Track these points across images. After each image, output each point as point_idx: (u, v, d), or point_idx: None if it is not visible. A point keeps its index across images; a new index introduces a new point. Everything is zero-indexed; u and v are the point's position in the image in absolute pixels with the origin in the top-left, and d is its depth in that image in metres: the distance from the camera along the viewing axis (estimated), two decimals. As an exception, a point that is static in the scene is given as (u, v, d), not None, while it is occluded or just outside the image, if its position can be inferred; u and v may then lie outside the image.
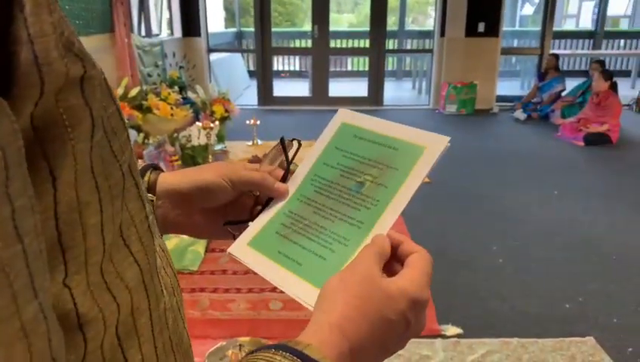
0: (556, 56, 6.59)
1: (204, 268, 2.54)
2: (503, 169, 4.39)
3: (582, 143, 5.14)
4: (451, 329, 2.10)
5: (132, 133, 3.66)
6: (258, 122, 4.94)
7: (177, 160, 3.57)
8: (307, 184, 0.55)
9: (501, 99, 7.11)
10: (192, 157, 3.80)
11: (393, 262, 0.46)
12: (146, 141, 3.67)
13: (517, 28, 11.76)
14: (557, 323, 2.18)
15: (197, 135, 3.71)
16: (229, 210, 0.58)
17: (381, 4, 7.07)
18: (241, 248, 0.53)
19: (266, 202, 0.56)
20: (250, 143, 5.01)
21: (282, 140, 0.58)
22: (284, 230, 0.52)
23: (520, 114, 6.39)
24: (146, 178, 0.54)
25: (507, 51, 7.82)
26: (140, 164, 0.52)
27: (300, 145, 0.60)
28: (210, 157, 3.56)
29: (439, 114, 6.82)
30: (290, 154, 0.59)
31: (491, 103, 6.96)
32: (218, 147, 4.55)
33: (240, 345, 1.86)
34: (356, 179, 0.52)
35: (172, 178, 0.55)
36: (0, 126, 0.19)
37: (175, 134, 3.91)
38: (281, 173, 0.57)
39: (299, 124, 6.27)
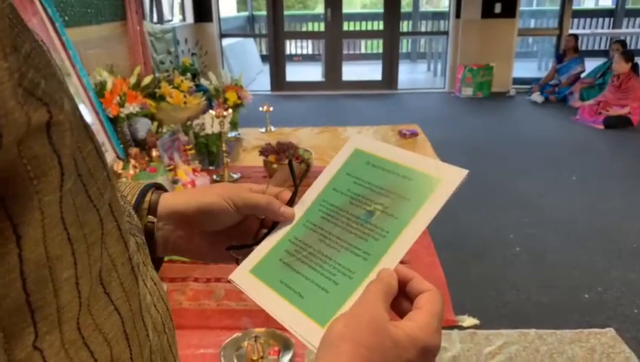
0: (575, 37, 6.43)
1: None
2: (519, 154, 4.31)
3: (601, 127, 5.02)
4: (468, 320, 2.08)
5: (145, 121, 3.66)
6: (271, 109, 4.92)
7: (191, 149, 3.57)
8: (315, 209, 0.53)
9: (518, 81, 6.98)
10: (205, 145, 3.80)
11: (402, 299, 0.43)
12: (159, 130, 3.67)
13: (534, 7, 11.48)
14: (575, 313, 2.15)
15: (210, 123, 3.70)
16: (233, 233, 0.56)
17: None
18: (243, 275, 0.51)
19: (272, 226, 0.54)
20: (263, 130, 5.00)
21: (290, 162, 0.57)
22: (287, 257, 0.50)
23: (537, 96, 6.27)
24: (147, 198, 0.52)
25: (524, 32, 7.67)
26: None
27: (308, 168, 0.58)
28: (224, 145, 3.55)
29: (455, 97, 6.72)
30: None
31: (508, 86, 6.83)
32: (231, 134, 4.55)
33: (255, 337, 1.86)
34: (366, 208, 0.50)
35: (174, 199, 0.53)
36: None
37: (189, 122, 3.90)
38: (288, 195, 0.55)
39: (312, 110, 6.22)
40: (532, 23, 10.27)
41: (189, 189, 0.58)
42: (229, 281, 2.03)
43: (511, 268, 2.52)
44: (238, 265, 0.53)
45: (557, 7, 7.22)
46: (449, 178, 0.49)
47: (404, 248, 0.46)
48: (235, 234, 0.56)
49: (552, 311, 2.17)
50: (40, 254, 0.24)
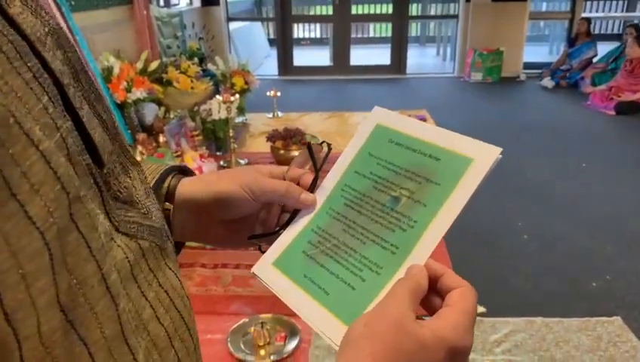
0: (588, 21, 6.31)
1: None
2: (528, 140, 4.27)
3: (613, 113, 4.95)
4: (474, 308, 2.08)
5: (153, 107, 3.66)
6: (278, 94, 4.89)
7: (198, 134, 3.57)
8: (337, 195, 0.50)
9: (528, 66, 6.88)
10: (212, 131, 3.80)
11: (433, 296, 0.41)
12: (167, 115, 3.67)
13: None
14: (583, 302, 2.14)
15: (217, 109, 3.68)
16: (254, 219, 0.54)
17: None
18: (265, 268, 0.49)
19: (293, 213, 0.51)
20: (270, 115, 4.98)
21: (309, 146, 0.53)
22: (311, 249, 0.48)
23: (548, 82, 6.18)
24: (165, 184, 0.50)
25: (536, 16, 7.54)
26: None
27: (330, 149, 0.55)
28: (231, 130, 3.54)
29: (464, 82, 6.65)
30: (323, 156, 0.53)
31: (518, 71, 6.75)
32: (238, 120, 4.54)
33: (262, 322, 1.88)
34: (391, 193, 0.46)
35: (192, 186, 0.51)
36: None
37: (196, 108, 3.89)
38: (310, 178, 0.52)
39: (319, 95, 6.19)
40: (544, 7, 10.10)
41: (208, 175, 0.55)
42: (236, 267, 2.03)
43: (519, 255, 2.51)
44: (263, 252, 0.51)
45: (569, -10, 7.08)
46: (482, 157, 0.44)
47: (435, 240, 0.42)
48: (256, 220, 0.54)
49: (560, 300, 2.16)
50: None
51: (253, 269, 0.50)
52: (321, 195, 0.51)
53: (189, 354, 0.39)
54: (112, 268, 0.30)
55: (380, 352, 0.35)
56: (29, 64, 0.25)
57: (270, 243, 0.51)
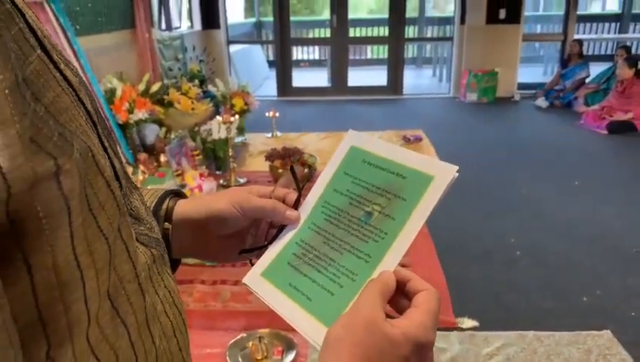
0: (580, 42, 6.46)
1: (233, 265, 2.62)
2: (522, 159, 4.35)
3: (605, 132, 5.05)
4: (467, 322, 2.13)
5: (154, 127, 3.74)
6: (277, 114, 4.99)
7: (198, 154, 3.64)
8: (318, 211, 0.56)
9: (523, 86, 7.01)
10: (212, 150, 3.88)
11: (401, 298, 0.46)
12: (167, 135, 3.76)
13: (541, 12, 11.50)
14: (574, 316, 2.19)
15: (217, 129, 3.77)
16: (245, 235, 0.59)
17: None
18: (255, 278, 0.54)
19: (279, 228, 0.57)
20: (269, 135, 5.07)
21: (292, 168, 0.60)
22: (295, 260, 0.53)
23: (542, 102, 6.30)
24: (164, 206, 0.57)
25: (529, 38, 7.70)
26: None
27: (310, 171, 0.61)
28: (230, 150, 3.62)
29: (460, 102, 6.77)
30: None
31: (513, 91, 6.87)
32: (238, 140, 4.62)
33: (260, 337, 1.92)
34: (365, 209, 0.52)
35: (187, 206, 0.57)
36: None
37: (196, 128, 3.98)
38: (294, 197, 0.58)
39: (317, 115, 6.29)
40: (538, 28, 10.31)
41: (202, 196, 0.62)
42: (235, 283, 2.11)
43: (511, 271, 2.56)
44: (252, 265, 0.56)
45: (562, 13, 7.24)
46: (441, 174, 0.50)
47: (403, 249, 0.48)
48: (247, 235, 0.60)
49: (551, 314, 2.21)
50: (50, 279, 0.28)
51: (244, 280, 0.55)
52: (304, 212, 0.57)
53: (185, 345, 0.47)
54: (141, 268, 0.38)
55: (355, 349, 0.40)
56: (81, 109, 0.33)
57: (259, 257, 0.57)
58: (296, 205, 0.57)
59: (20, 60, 0.27)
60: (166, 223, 0.57)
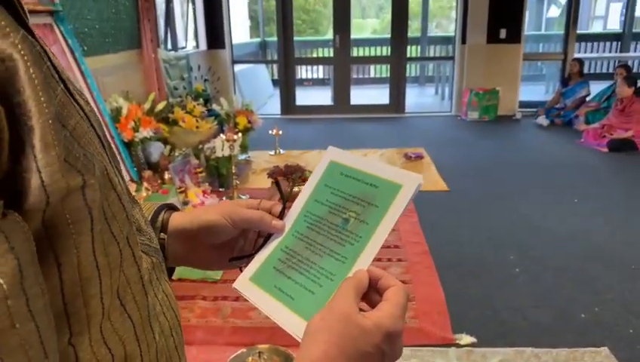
0: (580, 62, 6.53)
1: (226, 276, 2.65)
2: (523, 176, 4.39)
3: (606, 150, 5.09)
4: (465, 339, 2.15)
5: (159, 145, 3.81)
6: (280, 132, 5.06)
7: (202, 171, 3.70)
8: (301, 220, 0.61)
9: (524, 104, 7.08)
10: (216, 168, 3.94)
11: (373, 294, 0.51)
12: (172, 153, 3.82)
13: (542, 32, 11.62)
14: (572, 333, 2.20)
15: (221, 147, 3.83)
16: (235, 244, 0.64)
17: (401, 11, 7.14)
18: (244, 283, 0.60)
19: (267, 236, 0.62)
20: (272, 153, 5.13)
21: (277, 182, 0.67)
22: (280, 265, 0.59)
23: (543, 120, 6.35)
24: (160, 218, 0.62)
25: (529, 57, 7.78)
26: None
27: (293, 184, 0.67)
28: (233, 167, 3.68)
29: (461, 120, 6.83)
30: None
31: (514, 109, 6.93)
32: (241, 157, 4.68)
33: (259, 352, 1.94)
34: (342, 216, 0.58)
35: (181, 218, 0.63)
36: (16, 239, 0.28)
37: (200, 146, 4.04)
38: (279, 208, 0.63)
39: (319, 133, 6.37)
40: (540, 47, 10.42)
41: (195, 209, 0.68)
42: (235, 299, 2.16)
43: (509, 288, 2.58)
44: (241, 271, 0.61)
45: (563, 32, 7.33)
46: (408, 184, 0.55)
47: (375, 250, 0.53)
48: (237, 244, 0.65)
49: (549, 331, 2.22)
50: (74, 277, 0.34)
51: (235, 284, 0.60)
52: (289, 221, 0.62)
53: (180, 344, 0.52)
54: (144, 272, 0.44)
55: (332, 339, 0.45)
56: (94, 133, 0.39)
57: (248, 264, 0.62)
58: (281, 215, 0.63)
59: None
60: (162, 234, 0.61)
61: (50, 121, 0.30)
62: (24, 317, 0.27)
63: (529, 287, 2.58)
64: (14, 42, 0.28)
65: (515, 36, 6.69)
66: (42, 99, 0.29)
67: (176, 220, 0.63)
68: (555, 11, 12.32)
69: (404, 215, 2.80)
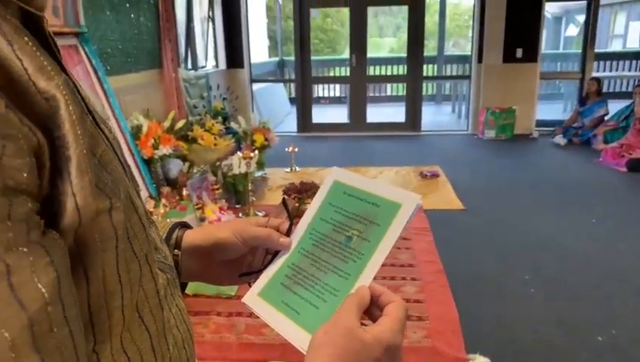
0: (598, 80, 6.49)
1: (241, 293, 2.67)
2: (539, 195, 4.36)
3: (624, 169, 5.02)
4: (479, 359, 2.13)
5: (178, 162, 3.89)
6: (296, 149, 5.12)
7: (218, 188, 3.75)
8: (307, 238, 0.64)
9: (542, 123, 7.04)
10: (232, 184, 3.99)
11: (375, 309, 0.54)
12: (190, 170, 3.89)
13: (560, 50, 11.60)
14: (587, 355, 2.17)
15: (238, 164, 3.90)
16: (245, 260, 0.68)
17: (418, 31, 7.20)
18: (253, 298, 0.63)
19: (274, 253, 0.66)
20: (288, 170, 5.19)
21: (284, 200, 0.71)
22: (287, 281, 0.62)
23: (560, 139, 6.31)
24: (174, 235, 0.66)
25: (546, 76, 7.76)
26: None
27: (299, 203, 0.71)
28: (250, 184, 3.73)
29: (478, 139, 6.81)
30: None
31: (531, 128, 6.90)
32: (258, 174, 4.74)
33: (272, 368, 1.96)
34: (345, 234, 0.61)
35: (194, 235, 0.67)
36: (55, 254, 0.32)
37: (217, 163, 4.12)
38: (287, 225, 0.67)
39: (335, 150, 6.41)
40: (558, 66, 10.38)
41: (207, 226, 0.72)
42: (249, 316, 2.20)
43: (524, 308, 2.56)
44: (250, 286, 0.64)
45: (580, 51, 7.31)
46: (407, 202, 0.58)
47: (376, 267, 0.56)
48: (247, 260, 0.68)
49: (564, 353, 2.20)
50: (100, 289, 0.38)
51: (244, 299, 0.64)
52: (295, 238, 0.65)
53: (192, 356, 0.55)
54: (160, 287, 0.48)
55: (335, 352, 0.48)
56: (117, 159, 0.43)
57: (257, 279, 0.65)
58: (288, 233, 0.66)
59: None
60: (176, 250, 0.65)
61: (84, 151, 0.34)
62: (61, 322, 0.31)
63: (544, 307, 2.56)
64: (57, 84, 0.32)
65: (531, 55, 6.70)
66: (79, 132, 0.33)
67: (190, 237, 0.66)
68: (573, 30, 12.29)
69: (420, 233, 2.81)
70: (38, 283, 0.30)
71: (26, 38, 0.32)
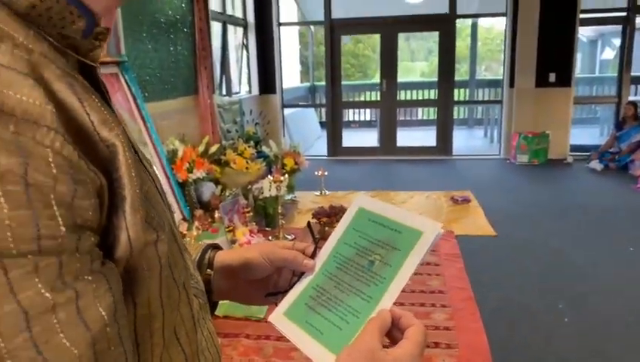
0: (635, 105, 6.35)
1: (269, 315, 2.70)
2: (574, 222, 4.26)
3: (664, 196, 4.87)
4: (509, 389, 2.09)
5: (210, 185, 3.99)
6: (326, 173, 5.17)
7: (249, 211, 3.83)
8: (331, 261, 0.68)
9: (576, 148, 6.91)
10: (263, 207, 4.06)
11: (395, 331, 0.57)
12: (223, 193, 3.99)
13: (596, 74, 11.39)
14: (624, 389, 2.11)
15: (268, 187, 3.97)
16: (270, 280, 0.72)
17: (449, 55, 7.22)
18: (279, 317, 0.66)
19: (300, 274, 0.69)
20: (317, 193, 5.23)
21: (309, 224, 0.75)
22: (311, 302, 0.65)
23: (596, 164, 6.17)
24: (207, 256, 0.71)
25: (581, 100, 7.64)
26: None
27: (324, 227, 0.74)
28: (280, 207, 3.79)
29: (510, 164, 6.73)
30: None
31: (565, 153, 6.77)
32: (288, 197, 4.81)
33: (299, 392, 1.98)
34: (368, 258, 0.64)
35: (225, 256, 0.71)
36: (112, 281, 0.36)
37: (249, 186, 4.20)
38: (312, 249, 0.70)
39: (365, 174, 6.44)
40: (594, 90, 10.20)
41: (237, 248, 0.77)
42: (277, 339, 2.25)
43: (557, 338, 2.50)
44: (276, 306, 0.68)
45: (616, 75, 7.19)
46: (429, 230, 0.60)
47: (397, 291, 0.59)
48: (273, 280, 0.72)
49: (599, 385, 2.14)
50: (145, 312, 0.42)
51: (270, 318, 0.67)
52: (320, 261, 0.69)
53: None
54: (195, 311, 0.53)
55: None
56: (158, 194, 0.48)
57: (282, 299, 0.69)
58: (313, 255, 0.69)
59: None
60: (208, 270, 0.70)
61: (137, 191, 0.39)
62: (117, 341, 0.36)
63: (578, 338, 2.49)
64: (117, 134, 0.38)
65: (565, 80, 6.62)
66: (132, 174, 0.39)
67: (222, 257, 0.71)
68: (609, 53, 12.08)
69: (450, 259, 2.81)
70: (99, 307, 0.34)
71: (93, 96, 0.38)
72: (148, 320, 0.42)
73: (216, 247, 0.74)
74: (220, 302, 0.75)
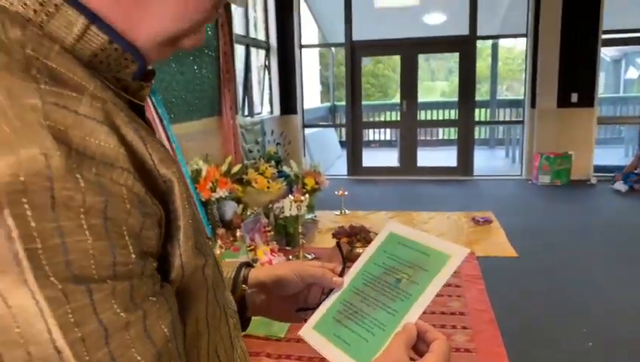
0: (660, 125, 6.27)
1: (290, 335, 2.72)
2: (597, 244, 4.20)
3: (692, 218, 4.77)
4: (531, 414, 2.07)
5: (233, 204, 4.07)
6: (346, 193, 5.21)
7: (271, 230, 3.88)
8: (359, 278, 0.72)
9: (600, 169, 6.81)
10: (284, 227, 4.11)
11: (422, 344, 0.61)
12: (244, 212, 4.05)
13: (620, 94, 11.27)
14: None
15: (289, 207, 4.02)
16: (301, 296, 0.76)
17: (470, 75, 7.25)
18: (308, 331, 0.70)
19: (329, 291, 0.74)
20: (338, 213, 5.26)
21: (338, 244, 0.79)
22: (339, 315, 0.69)
23: (620, 185, 6.07)
24: (242, 273, 0.76)
25: (604, 120, 7.56)
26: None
27: (351, 247, 0.79)
28: (300, 227, 3.83)
29: (532, 184, 6.67)
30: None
31: (588, 174, 6.68)
32: (308, 216, 4.85)
33: (320, 412, 1.99)
34: (395, 276, 0.68)
35: (258, 273, 0.76)
36: (170, 302, 0.41)
37: (270, 205, 4.26)
38: (340, 267, 0.75)
39: (385, 194, 6.45)
40: (618, 109, 10.09)
41: (268, 266, 0.83)
42: (298, 359, 2.29)
43: (581, 363, 2.46)
44: (306, 321, 0.72)
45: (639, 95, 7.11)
46: (456, 254, 0.65)
47: (422, 307, 0.63)
48: (303, 295, 0.76)
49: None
50: (193, 331, 0.47)
51: (300, 332, 0.71)
52: (348, 278, 0.73)
53: None
54: (232, 330, 0.57)
55: None
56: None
57: (312, 314, 0.73)
58: (341, 273, 0.74)
59: None
60: (243, 286, 0.75)
61: (190, 221, 0.44)
62: (176, 356, 0.41)
63: (603, 363, 2.45)
64: (173, 171, 0.43)
65: (587, 100, 6.57)
66: (186, 206, 0.44)
67: (256, 274, 0.76)
68: (633, 73, 11.95)
69: (471, 281, 2.83)
70: (162, 325, 0.39)
71: (153, 138, 0.43)
72: (195, 338, 0.47)
73: (249, 265, 0.79)
74: None
